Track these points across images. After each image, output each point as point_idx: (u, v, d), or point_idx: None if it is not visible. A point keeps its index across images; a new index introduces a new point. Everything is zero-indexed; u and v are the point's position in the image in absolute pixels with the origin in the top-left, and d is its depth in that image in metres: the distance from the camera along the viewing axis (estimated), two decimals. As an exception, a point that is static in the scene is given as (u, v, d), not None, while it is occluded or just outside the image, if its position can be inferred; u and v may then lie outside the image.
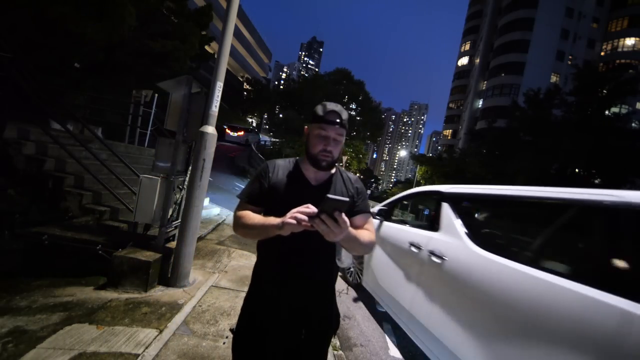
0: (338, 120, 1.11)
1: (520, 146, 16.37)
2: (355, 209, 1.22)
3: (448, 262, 2.18)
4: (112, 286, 3.03)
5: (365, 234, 1.13)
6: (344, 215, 0.91)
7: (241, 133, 23.71)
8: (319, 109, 1.13)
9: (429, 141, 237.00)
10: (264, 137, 34.10)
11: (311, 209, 0.93)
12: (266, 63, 63.52)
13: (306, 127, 1.20)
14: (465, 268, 2.01)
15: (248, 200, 1.19)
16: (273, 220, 1.02)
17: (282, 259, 1.16)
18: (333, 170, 1.26)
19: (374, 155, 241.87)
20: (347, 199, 0.88)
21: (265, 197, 1.18)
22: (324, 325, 1.24)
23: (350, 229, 1.00)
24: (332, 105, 1.12)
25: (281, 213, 1.00)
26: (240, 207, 1.20)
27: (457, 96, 51.17)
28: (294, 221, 0.93)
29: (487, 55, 42.04)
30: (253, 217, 1.11)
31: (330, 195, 0.86)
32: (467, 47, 50.09)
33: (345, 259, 1.30)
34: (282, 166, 1.23)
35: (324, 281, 1.23)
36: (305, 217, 0.92)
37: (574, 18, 36.69)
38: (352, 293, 4.48)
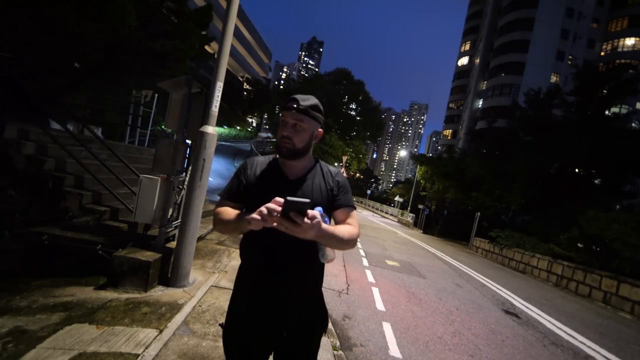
0: (295, 106, 1.10)
1: (520, 146, 16.34)
2: (336, 203, 1.20)
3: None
4: (112, 286, 3.03)
5: (345, 229, 1.11)
6: (315, 212, 0.92)
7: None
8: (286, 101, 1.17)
9: (429, 141, 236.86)
10: (262, 134, 34.03)
11: (277, 202, 0.92)
12: (266, 63, 63.48)
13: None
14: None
15: (227, 197, 1.20)
16: (244, 215, 1.03)
17: (259, 255, 1.15)
18: (312, 163, 1.25)
19: (374, 155, 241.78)
20: (307, 200, 0.88)
21: (243, 193, 1.19)
22: (306, 325, 1.20)
23: (325, 225, 0.98)
24: (297, 95, 1.14)
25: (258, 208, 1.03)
26: (219, 204, 1.21)
27: (457, 96, 51.12)
28: (258, 217, 0.93)
29: (487, 55, 42.00)
30: (229, 212, 1.12)
31: (289, 198, 0.87)
32: (467, 47, 50.02)
33: (330, 253, 1.16)
34: (260, 162, 1.23)
35: (302, 278, 1.18)
36: (267, 212, 0.91)
37: (574, 18, 36.64)
38: (352, 293, 4.48)
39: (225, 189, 1.24)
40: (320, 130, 1.20)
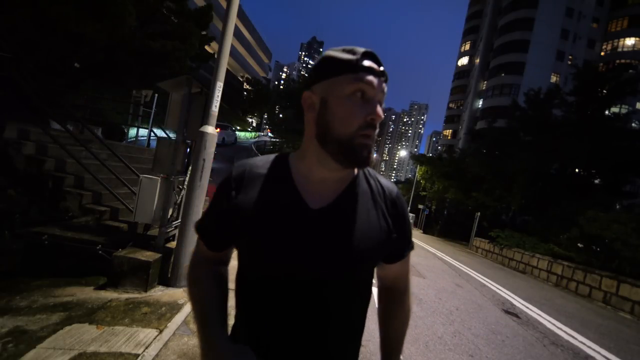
0: (382, 69, 0.62)
1: (520, 146, 16.33)
2: (392, 248, 0.71)
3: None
4: (112, 286, 3.03)
5: (402, 328, 0.80)
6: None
7: (217, 130, 23.55)
8: (343, 54, 0.61)
9: (429, 141, 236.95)
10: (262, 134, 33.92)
11: None
12: (266, 63, 63.52)
13: (307, 92, 0.65)
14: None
15: (203, 240, 0.72)
16: (209, 340, 0.63)
17: (262, 338, 0.64)
18: (352, 172, 0.69)
19: (374, 155, 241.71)
20: None
21: (229, 232, 0.67)
22: None
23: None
24: (365, 49, 0.62)
25: (256, 265, 0.64)
26: (196, 249, 0.76)
27: (457, 96, 51.14)
28: None
29: (487, 55, 42.01)
30: (202, 294, 0.69)
31: None
32: (467, 47, 50.05)
33: None
34: (257, 174, 0.68)
35: None
36: None
37: (574, 18, 36.65)
38: (352, 293, 4.47)
39: (201, 219, 0.74)
40: None
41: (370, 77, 0.60)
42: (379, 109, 0.60)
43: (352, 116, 0.59)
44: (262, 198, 0.65)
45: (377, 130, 0.62)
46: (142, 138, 9.25)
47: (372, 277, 0.71)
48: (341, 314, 0.65)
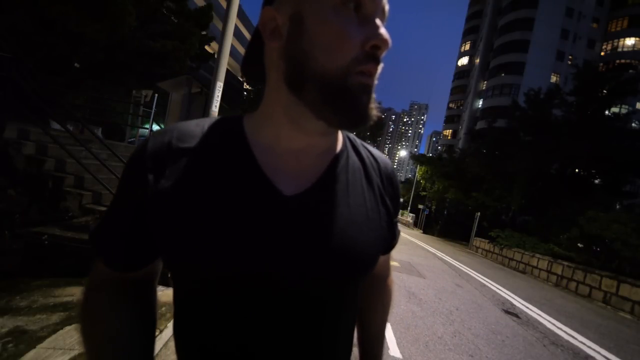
0: None
1: (520, 146, 16.34)
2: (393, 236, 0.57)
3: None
4: (112, 286, 3.03)
5: (386, 310, 0.68)
6: None
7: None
8: None
9: (429, 141, 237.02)
10: None
11: None
12: (266, 63, 63.46)
13: (267, 9, 0.41)
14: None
15: (104, 257, 0.45)
16: None
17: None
18: (338, 145, 0.49)
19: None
20: None
21: (146, 241, 0.43)
22: None
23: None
24: None
25: (203, 285, 0.41)
26: (94, 270, 0.47)
27: (457, 96, 51.16)
28: None
29: (487, 55, 42.02)
30: (102, 343, 0.45)
31: None
32: (467, 47, 50.07)
33: None
34: (189, 147, 0.43)
35: None
36: None
37: (574, 18, 36.67)
38: (352, 293, 4.47)
39: (97, 225, 0.46)
40: None
41: None
42: (384, 31, 0.37)
43: (344, 40, 0.37)
44: (202, 182, 0.41)
45: (381, 67, 0.39)
46: (143, 138, 9.27)
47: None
48: (328, 339, 0.45)
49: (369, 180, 0.49)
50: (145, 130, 8.71)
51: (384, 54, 0.38)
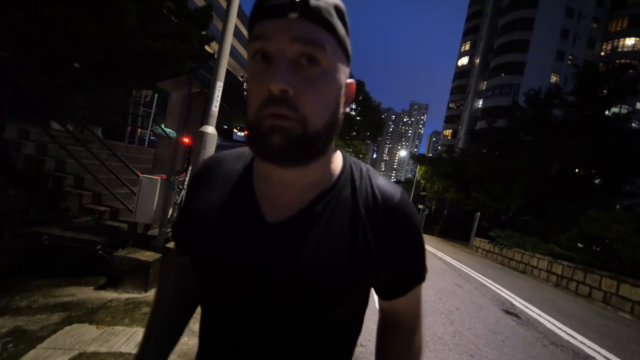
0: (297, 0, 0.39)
1: (520, 146, 16.35)
2: (383, 281, 0.53)
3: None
4: (112, 286, 3.03)
5: (407, 355, 0.58)
6: None
7: (247, 132, 24.39)
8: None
9: (429, 141, 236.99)
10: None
11: None
12: (266, 63, 63.45)
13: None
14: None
15: (175, 242, 0.64)
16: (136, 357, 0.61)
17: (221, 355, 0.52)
18: (332, 175, 0.51)
19: (374, 155, 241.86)
20: None
21: (189, 240, 0.56)
22: None
23: None
24: None
25: (200, 288, 0.56)
26: (170, 250, 0.61)
27: (457, 96, 51.14)
28: None
29: (487, 55, 42.02)
30: (160, 296, 0.66)
31: None
32: (467, 47, 50.05)
33: None
34: (220, 171, 0.56)
35: None
36: None
37: (574, 18, 36.66)
38: (352, 293, 4.47)
39: (176, 217, 0.67)
40: (352, 81, 0.48)
41: (266, 25, 0.39)
42: (278, 73, 0.38)
43: (252, 89, 0.41)
44: (214, 203, 0.52)
45: (313, 98, 0.40)
46: (144, 138, 9.26)
47: (353, 313, 0.56)
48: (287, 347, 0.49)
49: (355, 214, 0.49)
50: (145, 130, 8.72)
51: (288, 94, 0.39)
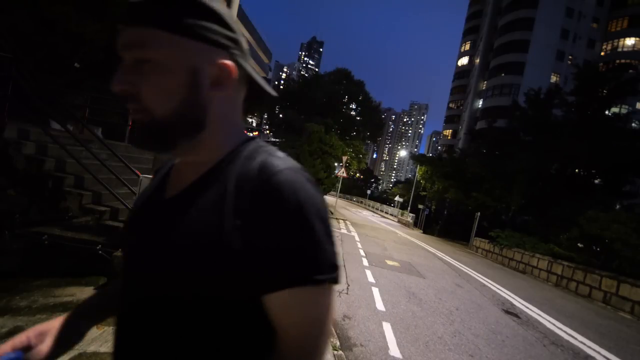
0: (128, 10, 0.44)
1: (520, 146, 16.35)
2: (255, 274, 0.42)
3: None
4: (112, 286, 3.03)
5: None
6: None
7: (256, 133, 24.71)
8: None
9: (429, 141, 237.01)
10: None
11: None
12: (266, 63, 63.48)
13: None
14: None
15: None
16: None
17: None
18: (220, 154, 0.50)
19: (374, 155, 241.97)
20: None
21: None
22: None
23: None
24: None
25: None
26: None
27: (457, 96, 51.14)
28: None
29: (487, 55, 42.01)
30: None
31: None
32: (467, 47, 50.05)
33: None
34: (169, 163, 0.62)
35: None
36: None
37: (574, 18, 36.66)
38: (352, 293, 4.48)
39: None
40: (225, 62, 0.46)
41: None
42: (115, 78, 0.47)
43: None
44: (152, 183, 0.61)
45: (143, 97, 0.45)
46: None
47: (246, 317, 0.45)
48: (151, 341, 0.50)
49: (223, 192, 0.45)
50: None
51: (130, 92, 0.46)
